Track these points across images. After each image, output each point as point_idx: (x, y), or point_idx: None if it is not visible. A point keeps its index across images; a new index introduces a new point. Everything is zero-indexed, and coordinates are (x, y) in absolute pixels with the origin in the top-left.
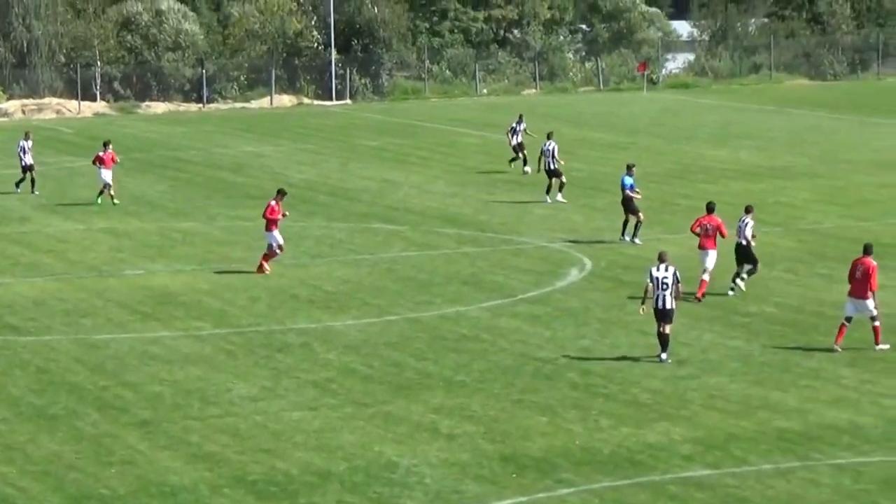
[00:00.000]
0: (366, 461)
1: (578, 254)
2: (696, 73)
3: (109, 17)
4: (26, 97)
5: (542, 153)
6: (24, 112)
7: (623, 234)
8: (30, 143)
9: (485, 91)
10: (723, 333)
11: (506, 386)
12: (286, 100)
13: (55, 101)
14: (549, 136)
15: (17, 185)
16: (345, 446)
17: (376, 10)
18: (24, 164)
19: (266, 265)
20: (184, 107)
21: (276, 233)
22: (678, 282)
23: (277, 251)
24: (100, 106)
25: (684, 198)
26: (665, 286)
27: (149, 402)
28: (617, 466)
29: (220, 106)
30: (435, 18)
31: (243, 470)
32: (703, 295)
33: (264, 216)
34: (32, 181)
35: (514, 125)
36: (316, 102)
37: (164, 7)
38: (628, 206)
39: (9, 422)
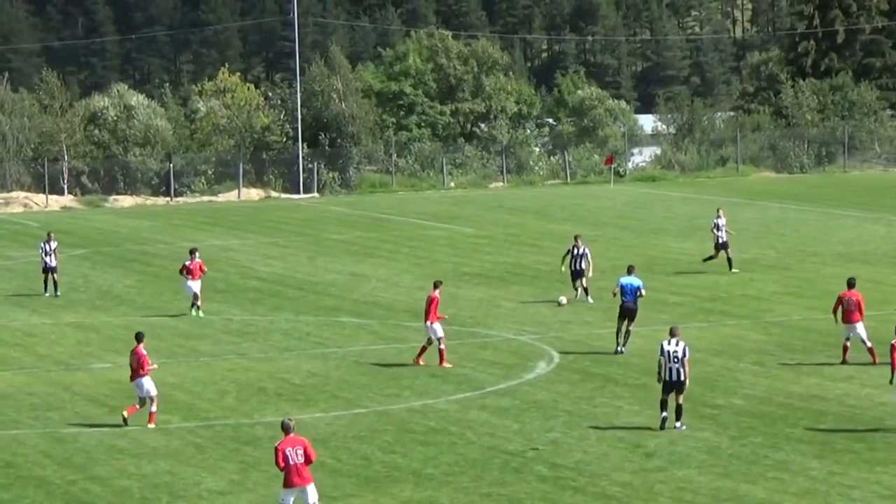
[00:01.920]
0: None
1: (546, 346)
2: (663, 166)
3: (76, 111)
4: None
5: (571, 254)
6: None
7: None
8: (53, 244)
9: (452, 184)
10: (691, 425)
11: (474, 479)
12: (254, 193)
13: (22, 194)
14: (577, 239)
15: (46, 288)
16: None
17: (344, 106)
18: (45, 265)
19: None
20: (151, 200)
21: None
22: (685, 356)
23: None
24: (67, 199)
25: (652, 290)
26: (676, 359)
27: (117, 496)
28: None
29: (188, 199)
30: (402, 112)
31: None
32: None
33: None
34: (54, 284)
35: (715, 220)
36: (284, 196)
37: (133, 102)
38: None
39: None
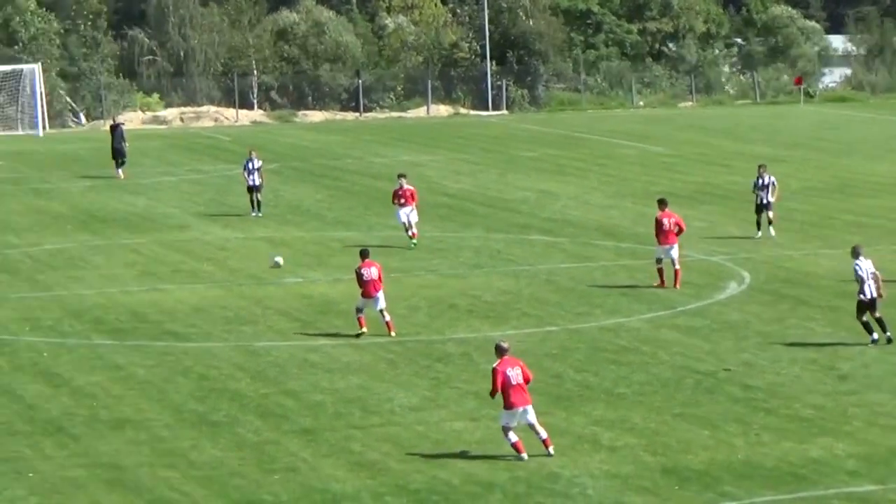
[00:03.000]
0: (527, 472)
1: (737, 267)
2: (853, 86)
3: (265, 26)
4: (184, 105)
5: (756, 186)
6: (182, 120)
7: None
8: (258, 162)
9: (641, 103)
10: (886, 349)
11: (666, 399)
12: (442, 110)
13: (213, 109)
14: (761, 169)
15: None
16: (506, 457)
17: (531, 23)
18: (250, 183)
19: None
20: (340, 115)
21: None
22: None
23: None
24: (257, 114)
25: (843, 212)
26: (871, 276)
27: (310, 410)
28: (780, 481)
29: (377, 115)
30: (590, 31)
31: (405, 479)
32: None
33: None
34: (258, 203)
35: None
36: (472, 113)
37: (322, 18)
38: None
39: (172, 428)
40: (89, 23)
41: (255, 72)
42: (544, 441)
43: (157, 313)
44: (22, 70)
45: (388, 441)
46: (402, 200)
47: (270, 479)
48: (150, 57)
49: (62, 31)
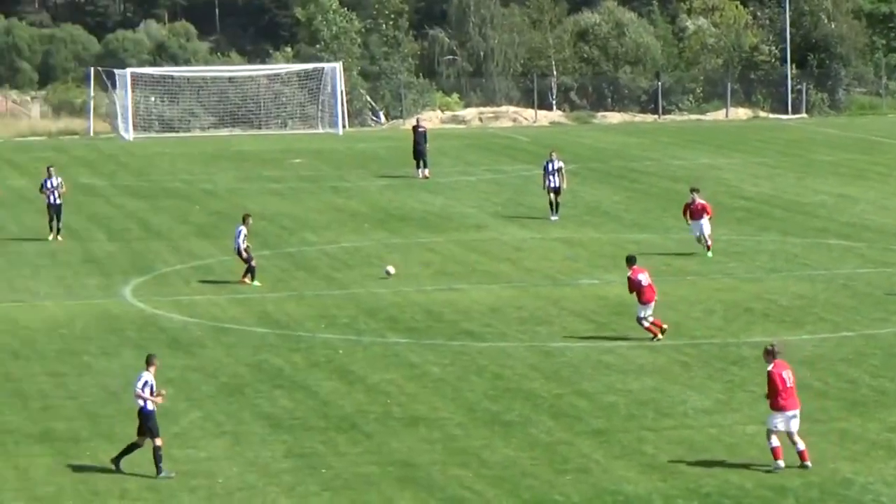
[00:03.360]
0: (821, 477)
1: None
2: None
3: (565, 27)
4: (483, 105)
5: None
6: (480, 120)
7: None
8: (558, 163)
9: None
10: None
11: None
12: (741, 112)
13: (511, 109)
14: None
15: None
16: (796, 463)
17: (833, 26)
18: (548, 185)
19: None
20: (639, 117)
21: None
22: None
23: None
24: (555, 115)
25: None
26: None
27: (603, 411)
28: None
29: (675, 117)
30: (892, 35)
31: (697, 482)
32: None
33: None
34: (556, 205)
35: None
36: (771, 116)
37: (623, 19)
38: None
39: (465, 427)
40: (391, 22)
41: (555, 72)
42: (801, 453)
43: (452, 312)
44: (323, 69)
45: (681, 444)
46: (695, 215)
47: (562, 480)
48: (450, 57)
49: (363, 30)
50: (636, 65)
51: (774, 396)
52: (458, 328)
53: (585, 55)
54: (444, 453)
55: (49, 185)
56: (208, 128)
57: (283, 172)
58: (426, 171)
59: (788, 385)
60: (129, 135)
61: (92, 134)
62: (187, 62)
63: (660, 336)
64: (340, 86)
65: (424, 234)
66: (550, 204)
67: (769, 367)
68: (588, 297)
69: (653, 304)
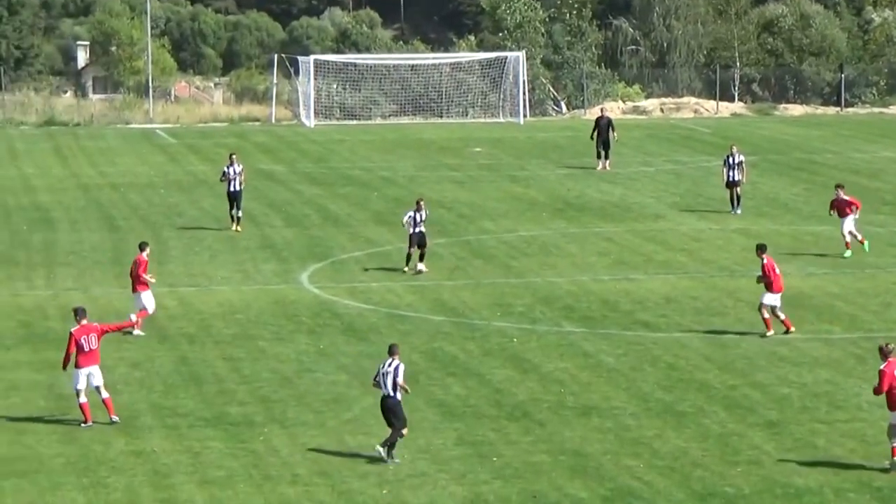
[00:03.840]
0: None
1: None
2: None
3: (751, 18)
4: (664, 96)
5: None
6: (662, 111)
7: None
8: (739, 157)
9: None
10: None
11: None
12: None
13: (693, 100)
14: None
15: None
16: None
17: None
18: (728, 179)
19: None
20: (821, 110)
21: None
22: None
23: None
24: (737, 106)
25: None
26: None
27: (776, 403)
28: None
29: (858, 110)
30: None
31: (870, 476)
32: None
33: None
34: (737, 198)
35: None
36: None
37: (809, 11)
38: None
39: (637, 417)
40: (574, 11)
41: (738, 64)
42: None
43: (627, 302)
44: (506, 57)
45: (854, 437)
46: (841, 212)
47: (733, 472)
48: (633, 47)
49: (547, 19)
50: (820, 56)
51: (888, 396)
52: (634, 318)
53: (769, 46)
54: (616, 443)
55: (231, 172)
56: (389, 116)
57: (462, 161)
58: (607, 164)
59: None
60: (311, 122)
61: (273, 121)
62: (370, 50)
63: (770, 332)
64: (523, 75)
65: (602, 223)
66: (731, 198)
67: (882, 366)
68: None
69: (780, 294)
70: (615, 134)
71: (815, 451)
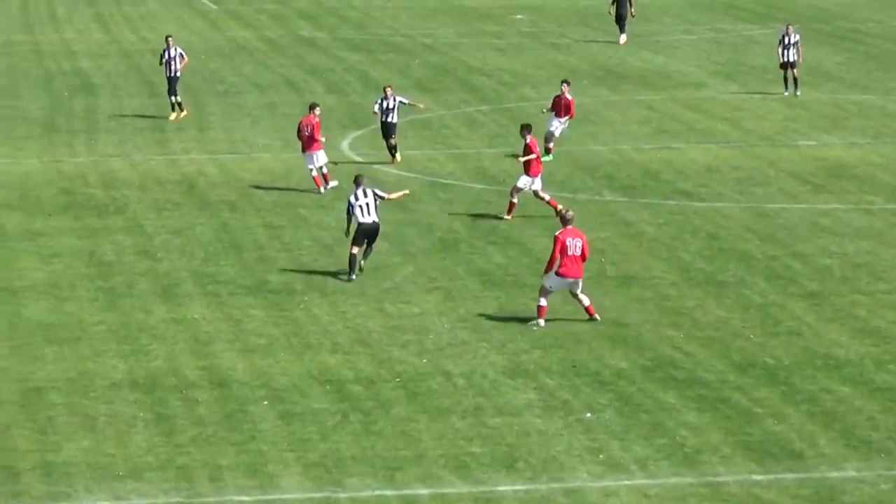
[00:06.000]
0: None
1: None
2: None
3: None
4: None
5: None
6: None
7: None
8: (794, 36)
9: None
10: None
11: None
12: None
13: None
14: None
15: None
16: None
17: None
18: (783, 60)
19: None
20: None
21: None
22: None
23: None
24: None
25: None
26: None
27: (817, 273)
28: None
29: None
30: None
31: None
32: None
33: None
34: (795, 81)
35: None
36: None
37: None
38: None
39: (678, 286)
40: None
41: None
42: (587, 308)
43: (669, 171)
44: None
45: (894, 308)
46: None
47: (773, 342)
48: None
49: None
50: None
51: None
52: (674, 187)
53: None
54: (656, 312)
55: (167, 55)
56: None
57: (503, 28)
58: (623, 37)
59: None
60: None
61: None
62: None
63: (508, 217)
64: None
65: (644, 91)
66: (785, 80)
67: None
68: (805, 159)
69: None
70: (632, 9)
71: (855, 322)
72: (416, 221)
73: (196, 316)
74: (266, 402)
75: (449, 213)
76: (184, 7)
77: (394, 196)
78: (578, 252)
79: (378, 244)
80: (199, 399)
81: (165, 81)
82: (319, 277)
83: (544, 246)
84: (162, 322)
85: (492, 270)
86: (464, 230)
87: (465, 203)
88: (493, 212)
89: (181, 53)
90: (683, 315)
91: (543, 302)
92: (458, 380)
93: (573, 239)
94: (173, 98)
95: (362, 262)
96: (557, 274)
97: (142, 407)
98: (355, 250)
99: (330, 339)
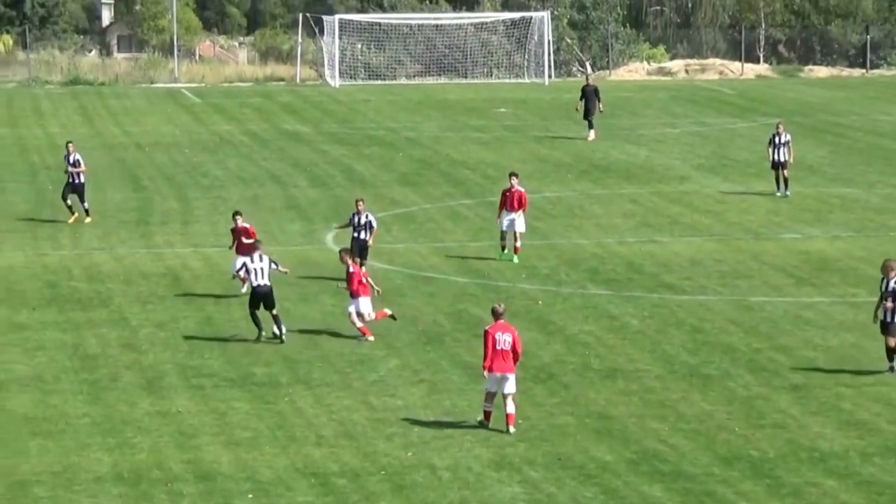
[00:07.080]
0: None
1: None
2: None
3: None
4: (689, 57)
5: None
6: (686, 72)
7: None
8: (786, 136)
9: None
10: None
11: None
12: None
13: (718, 61)
14: None
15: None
16: None
17: None
18: (774, 159)
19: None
20: (846, 72)
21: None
22: None
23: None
24: (762, 68)
25: None
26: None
27: (802, 366)
28: None
29: (884, 72)
30: None
31: (894, 440)
32: None
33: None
34: (785, 181)
35: None
36: None
37: None
38: None
39: (663, 379)
40: None
41: (763, 25)
42: (507, 416)
43: (652, 265)
44: (531, 17)
45: (880, 401)
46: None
47: (758, 435)
48: (658, 7)
49: None
50: (846, 18)
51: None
52: (658, 280)
53: (795, 7)
54: (641, 406)
55: (69, 161)
56: (414, 76)
57: (487, 122)
58: (592, 133)
59: (498, 347)
60: (336, 82)
61: (298, 80)
62: (395, 9)
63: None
64: (548, 35)
65: (627, 185)
66: (777, 180)
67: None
68: (789, 252)
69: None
70: (601, 105)
71: (840, 415)
72: (400, 315)
73: (181, 409)
74: (251, 496)
75: (433, 307)
76: (168, 101)
77: (282, 269)
78: (508, 347)
79: (278, 310)
80: (184, 492)
81: (66, 186)
82: (304, 370)
83: (529, 339)
84: (146, 415)
85: (476, 363)
86: (448, 323)
87: (449, 296)
88: (477, 305)
89: (78, 159)
90: (668, 408)
91: (488, 406)
92: (443, 473)
93: (502, 333)
94: (70, 202)
95: (277, 331)
96: (488, 370)
97: (126, 501)
98: (254, 310)
99: (315, 432)
